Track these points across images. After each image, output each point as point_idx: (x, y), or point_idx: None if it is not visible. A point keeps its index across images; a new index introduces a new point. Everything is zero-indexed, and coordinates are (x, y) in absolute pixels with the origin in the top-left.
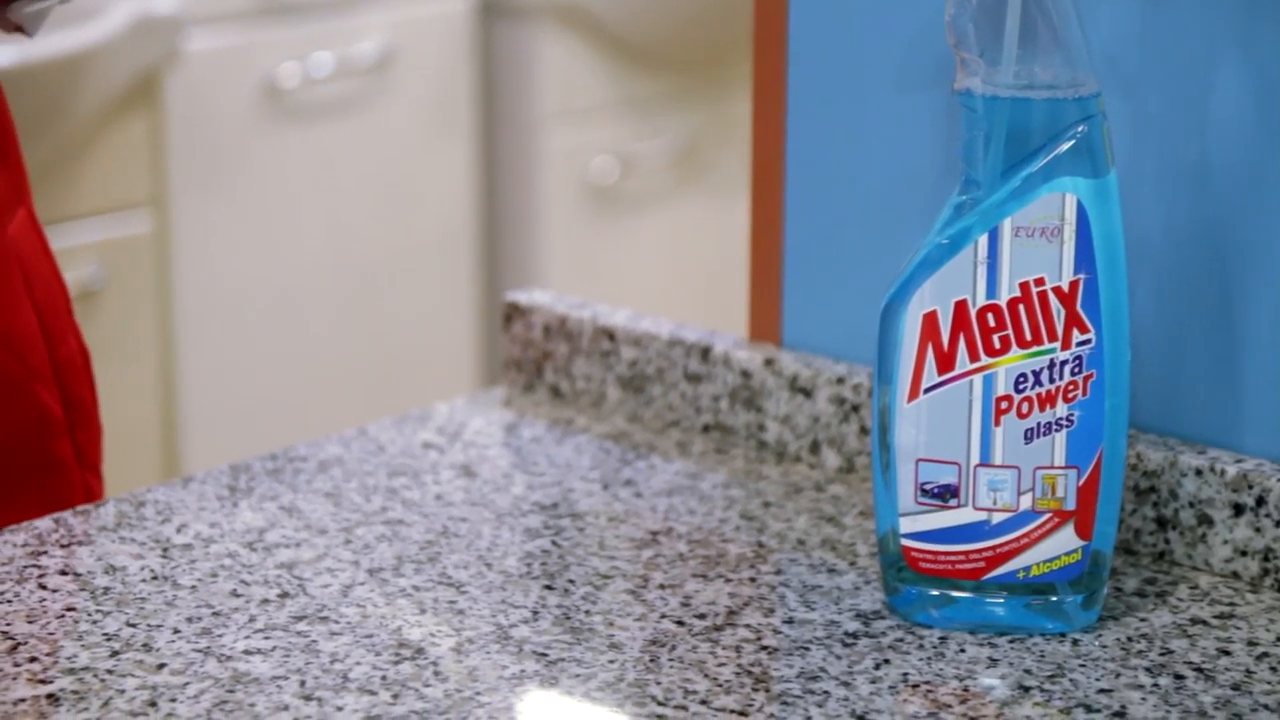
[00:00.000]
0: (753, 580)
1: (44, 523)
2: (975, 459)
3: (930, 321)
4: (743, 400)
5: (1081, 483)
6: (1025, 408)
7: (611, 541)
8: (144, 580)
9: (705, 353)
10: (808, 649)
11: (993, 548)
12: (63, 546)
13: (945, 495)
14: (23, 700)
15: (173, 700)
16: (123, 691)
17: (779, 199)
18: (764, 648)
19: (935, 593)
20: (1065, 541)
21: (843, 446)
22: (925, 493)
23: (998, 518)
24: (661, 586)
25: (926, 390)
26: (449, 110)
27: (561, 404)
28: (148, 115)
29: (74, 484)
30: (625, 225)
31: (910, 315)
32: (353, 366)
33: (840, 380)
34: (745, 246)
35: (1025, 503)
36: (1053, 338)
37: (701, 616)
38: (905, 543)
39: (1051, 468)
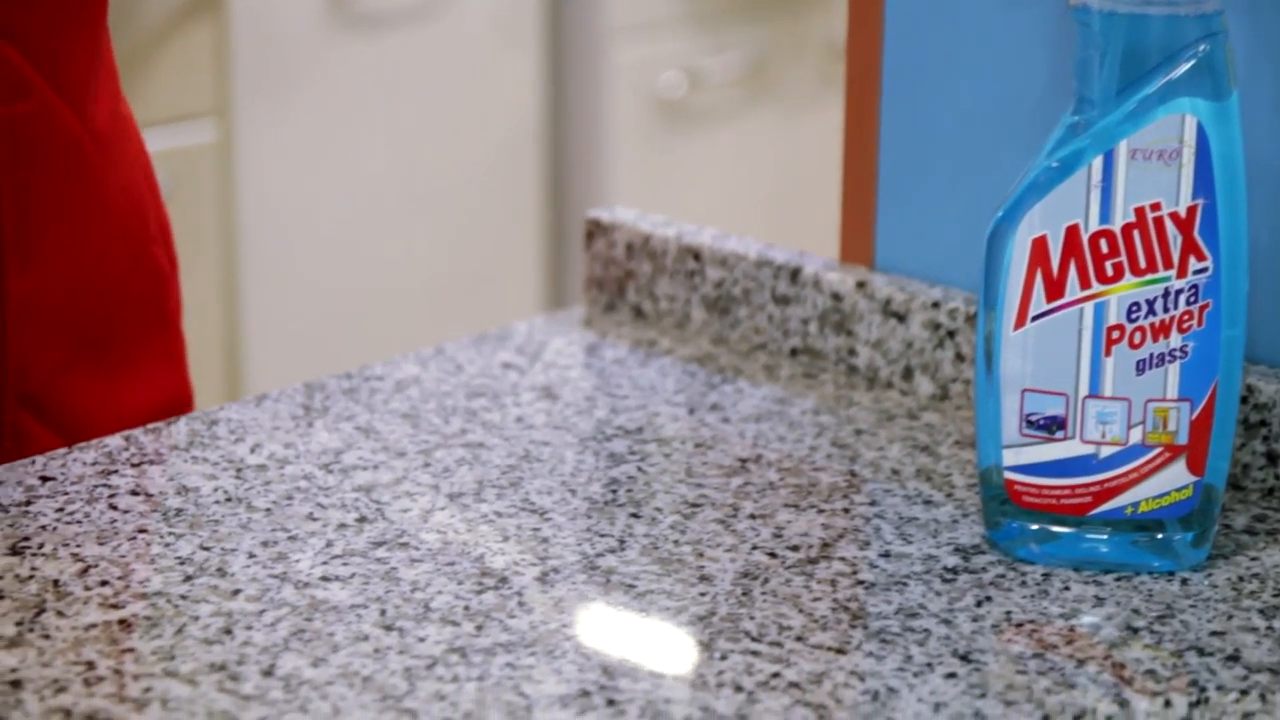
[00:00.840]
0: (846, 511)
1: (114, 440)
2: (1084, 390)
3: (1040, 247)
4: (833, 324)
5: (1194, 416)
6: (1138, 338)
7: (699, 469)
8: (217, 502)
9: (795, 274)
10: (906, 584)
11: (1100, 482)
12: (134, 465)
13: (1052, 427)
14: (94, 625)
15: (249, 628)
16: (197, 618)
17: (874, 115)
18: (860, 582)
19: (1036, 527)
20: (1176, 477)
21: (937, 373)
22: (1031, 424)
23: (1106, 451)
24: (752, 516)
25: (1034, 318)
26: (516, 22)
27: (644, 325)
28: (212, 24)
29: (179, 338)
30: (693, 140)
31: (1019, 240)
32: (417, 279)
33: (935, 304)
34: (814, 164)
35: (1135, 436)
36: (1168, 265)
37: (795, 548)
38: (1008, 475)
39: (1164, 400)
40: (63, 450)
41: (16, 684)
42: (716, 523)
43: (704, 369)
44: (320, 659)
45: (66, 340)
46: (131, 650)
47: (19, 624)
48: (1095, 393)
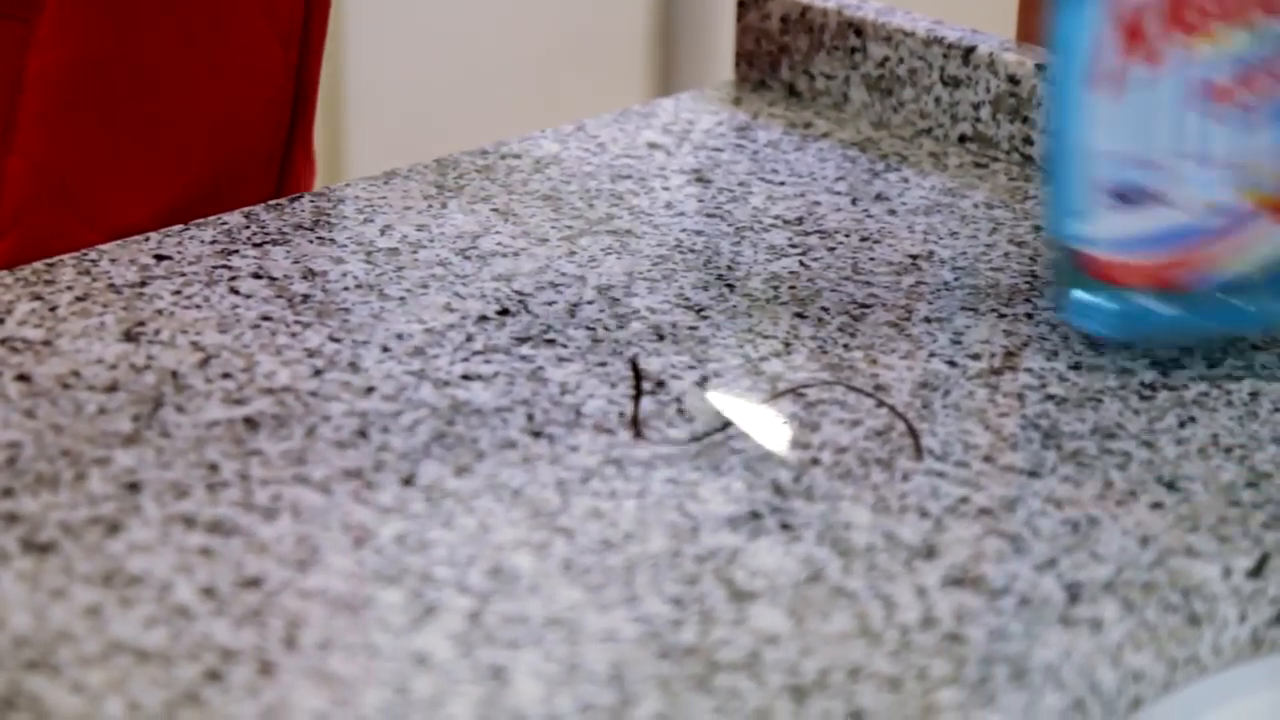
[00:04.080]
0: (1030, 317)
1: (234, 218)
2: (1179, 151)
3: None
4: (1007, 109)
5: None
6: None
7: (866, 265)
8: (347, 288)
9: (967, 54)
10: (1100, 400)
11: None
12: (255, 245)
13: (1139, 196)
14: (216, 423)
15: (385, 430)
16: (329, 418)
17: None
18: (1050, 397)
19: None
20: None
21: None
22: (1117, 195)
23: (1200, 217)
24: (927, 320)
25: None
26: None
27: (799, 105)
28: None
29: None
30: None
31: None
32: (519, 52)
33: None
34: None
35: (1230, 198)
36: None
37: (976, 357)
38: (1085, 248)
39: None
40: (179, 227)
41: (134, 486)
42: (888, 325)
43: (865, 155)
44: (464, 468)
45: None
46: (258, 452)
47: (136, 419)
48: (1190, 154)
